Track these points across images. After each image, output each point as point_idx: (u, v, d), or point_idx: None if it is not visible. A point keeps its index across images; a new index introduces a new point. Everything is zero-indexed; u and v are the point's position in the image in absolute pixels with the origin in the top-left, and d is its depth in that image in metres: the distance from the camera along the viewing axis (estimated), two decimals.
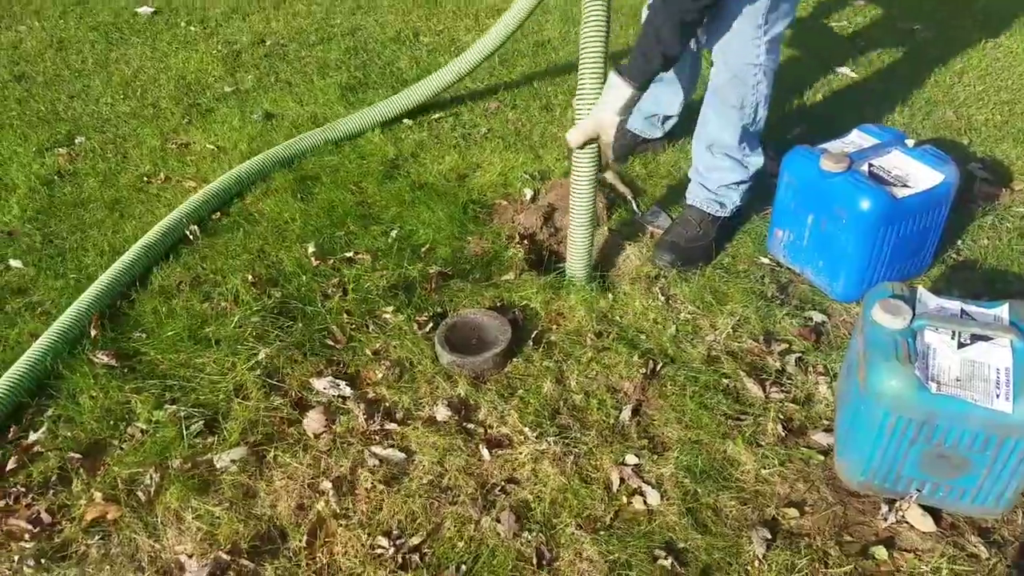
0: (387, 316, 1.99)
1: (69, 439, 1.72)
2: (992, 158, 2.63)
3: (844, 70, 3.20)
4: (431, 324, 1.97)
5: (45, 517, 1.57)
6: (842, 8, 3.75)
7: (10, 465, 1.66)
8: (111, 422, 1.75)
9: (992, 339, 1.48)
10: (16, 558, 1.48)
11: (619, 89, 1.79)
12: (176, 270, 2.18)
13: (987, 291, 2.07)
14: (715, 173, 2.19)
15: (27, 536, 1.53)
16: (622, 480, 1.60)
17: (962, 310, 1.58)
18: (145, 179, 2.63)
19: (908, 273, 2.11)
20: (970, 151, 2.66)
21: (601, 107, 1.80)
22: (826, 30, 3.54)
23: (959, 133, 2.77)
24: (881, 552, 1.47)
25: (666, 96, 2.46)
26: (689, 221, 2.23)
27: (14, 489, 1.62)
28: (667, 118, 2.57)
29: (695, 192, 2.26)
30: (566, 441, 1.68)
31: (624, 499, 1.57)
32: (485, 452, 1.67)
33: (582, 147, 1.86)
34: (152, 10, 3.95)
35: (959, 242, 2.25)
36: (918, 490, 1.52)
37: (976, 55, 3.29)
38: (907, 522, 1.53)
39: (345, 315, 2.00)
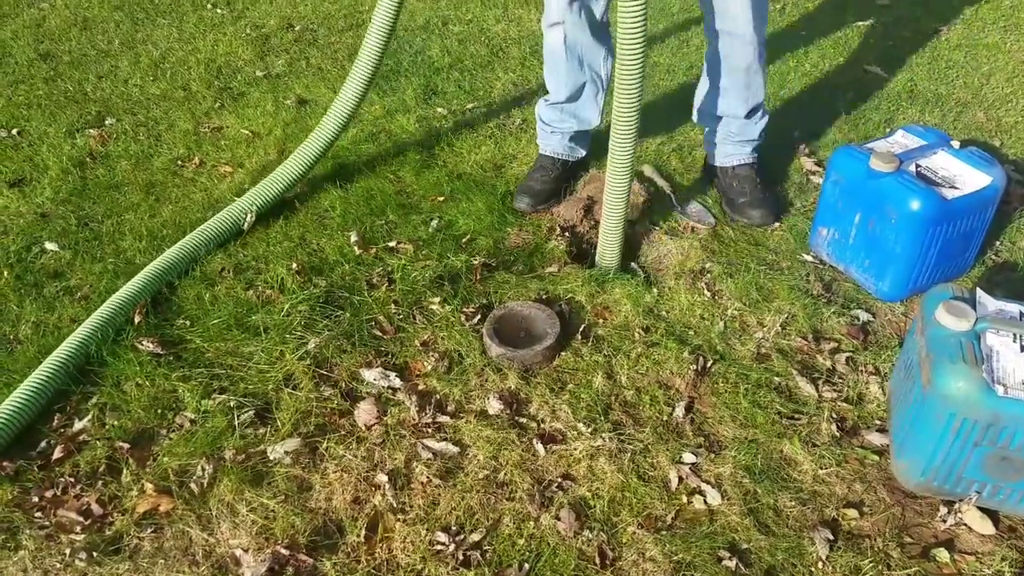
0: (434, 307, 1.98)
1: (116, 428, 1.70)
2: None
3: (875, 69, 3.18)
4: (478, 316, 1.96)
5: (96, 508, 1.55)
6: (868, 6, 3.73)
7: (56, 454, 1.65)
8: (158, 411, 1.74)
9: None
10: (67, 551, 1.46)
11: None
12: (217, 256, 2.15)
13: None
14: (749, 127, 2.31)
15: (78, 528, 1.51)
16: (680, 479, 1.59)
17: (1021, 313, 1.58)
18: (179, 163, 2.61)
19: (951, 274, 2.10)
20: (1002, 153, 2.65)
21: None
22: (854, 28, 3.52)
23: (990, 135, 2.76)
24: (943, 554, 1.47)
25: (588, 110, 2.34)
26: (753, 179, 2.32)
27: (62, 479, 1.60)
28: (583, 134, 2.45)
29: (739, 152, 2.35)
30: (621, 438, 1.67)
31: (684, 498, 1.56)
32: (540, 447, 1.66)
33: None
34: None
35: (997, 243, 2.25)
36: (978, 492, 1.52)
37: (1003, 57, 3.27)
38: (966, 524, 1.53)
39: (393, 305, 1.98)
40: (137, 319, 1.92)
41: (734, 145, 2.35)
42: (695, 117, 2.41)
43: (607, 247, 2.08)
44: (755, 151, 2.38)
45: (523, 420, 1.72)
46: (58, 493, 1.58)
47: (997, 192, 1.99)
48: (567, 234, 2.27)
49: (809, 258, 2.21)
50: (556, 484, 1.59)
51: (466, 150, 2.64)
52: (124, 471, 1.61)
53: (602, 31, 2.20)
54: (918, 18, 3.59)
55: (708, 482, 1.59)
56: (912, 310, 2.03)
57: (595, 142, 2.50)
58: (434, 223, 2.29)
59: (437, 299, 2.00)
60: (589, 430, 1.69)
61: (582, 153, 2.46)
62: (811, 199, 2.39)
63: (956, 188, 1.95)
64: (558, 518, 1.52)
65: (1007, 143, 2.71)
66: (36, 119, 2.83)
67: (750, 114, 2.28)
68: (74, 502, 1.57)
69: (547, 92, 2.35)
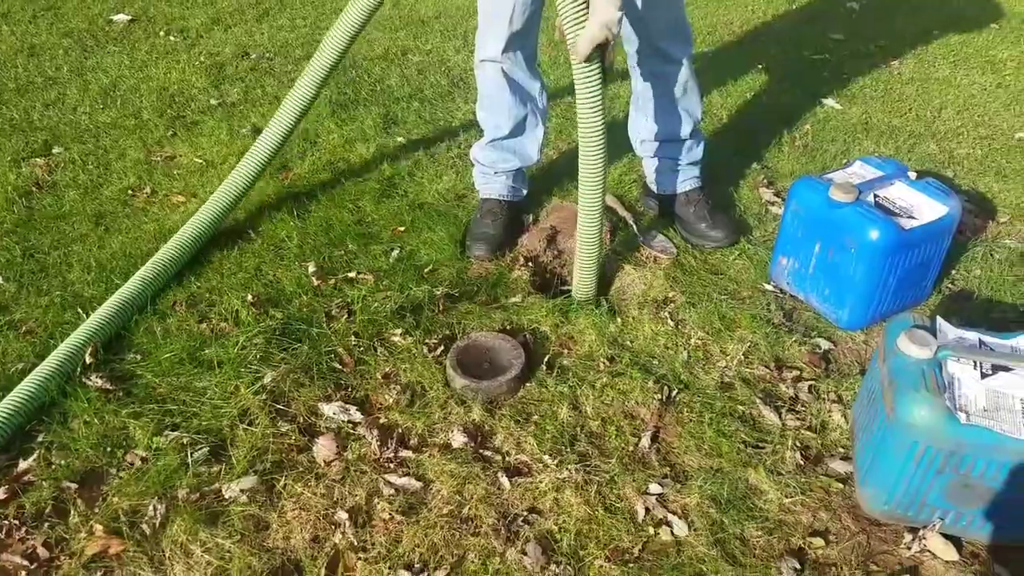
0: (396, 339, 1.94)
1: (63, 467, 1.63)
2: (976, 191, 2.69)
3: (830, 102, 3.26)
4: (441, 347, 1.93)
5: (42, 552, 1.47)
6: (822, 40, 3.83)
7: (0, 495, 1.56)
8: (108, 449, 1.67)
9: (1013, 369, 1.50)
10: None
11: None
12: (170, 288, 2.09)
13: (983, 320, 2.10)
14: (694, 148, 2.36)
15: (23, 573, 1.44)
16: (647, 510, 1.57)
17: (980, 340, 1.61)
18: (130, 192, 2.54)
19: (910, 302, 2.14)
20: (955, 184, 2.73)
21: (603, 3, 1.64)
22: (808, 62, 3.61)
23: (943, 166, 2.84)
24: None
25: (529, 145, 2.33)
26: (706, 202, 2.38)
27: (6, 522, 1.52)
28: (522, 174, 2.44)
29: (688, 175, 2.39)
30: (587, 469, 1.65)
31: (651, 530, 1.54)
32: (505, 480, 1.62)
33: (590, 58, 1.69)
34: (129, 18, 3.83)
35: (953, 272, 2.29)
36: (941, 519, 1.53)
37: (953, 91, 3.38)
38: (930, 551, 1.53)
39: (353, 337, 1.94)
40: (88, 359, 1.84)
41: (683, 170, 2.38)
42: (640, 150, 2.41)
43: (584, 279, 2.07)
44: (701, 173, 2.41)
45: (488, 453, 1.69)
46: (2, 536, 1.50)
47: (953, 221, 2.03)
48: (530, 264, 2.26)
49: (770, 287, 2.22)
50: (522, 518, 1.56)
51: (427, 180, 2.62)
52: (72, 512, 1.54)
53: (535, 67, 2.23)
54: (871, 53, 3.71)
55: (675, 513, 1.57)
56: (872, 338, 2.06)
57: (534, 181, 2.54)
58: (395, 253, 2.26)
59: (399, 330, 1.96)
60: (555, 462, 1.66)
61: (524, 192, 2.44)
62: (771, 229, 2.42)
63: (914, 218, 1.98)
64: (524, 552, 1.48)
65: (959, 174, 2.78)
66: None
67: (693, 133, 2.31)
68: (19, 545, 1.49)
69: (481, 134, 2.32)
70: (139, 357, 1.89)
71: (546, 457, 1.67)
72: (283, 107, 2.18)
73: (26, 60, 3.42)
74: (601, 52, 1.69)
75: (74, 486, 1.59)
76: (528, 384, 1.85)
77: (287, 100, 2.17)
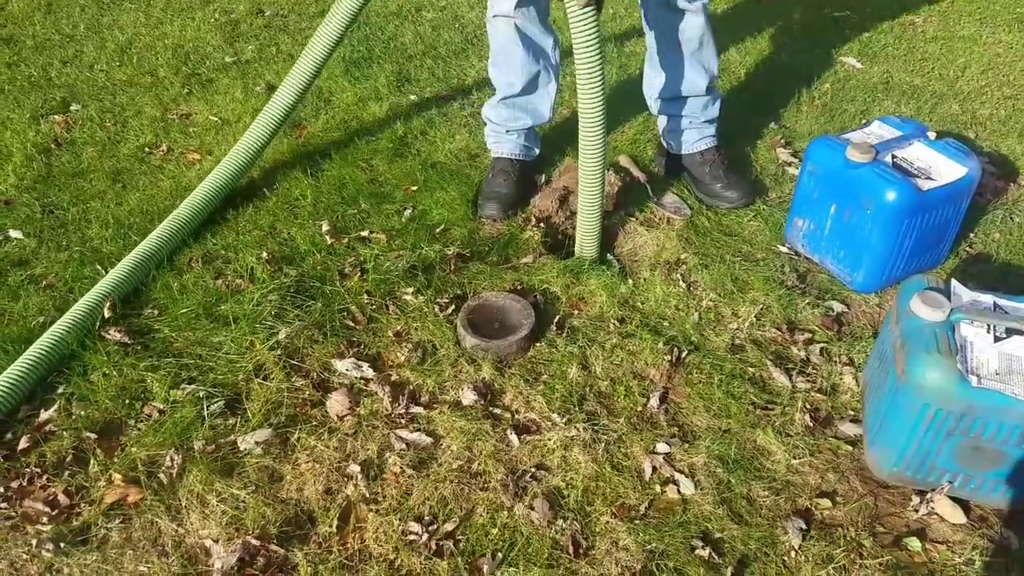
0: (407, 297, 1.96)
1: (83, 418, 1.66)
2: (998, 152, 2.64)
3: (850, 60, 3.20)
4: (452, 306, 1.94)
5: (63, 499, 1.51)
6: None
7: (22, 444, 1.61)
8: (126, 401, 1.70)
9: None
10: (34, 541, 1.43)
11: None
12: (186, 245, 2.11)
13: (1002, 284, 2.08)
14: (710, 106, 2.33)
15: (44, 519, 1.48)
16: (654, 469, 1.59)
17: (995, 303, 1.59)
18: (147, 150, 2.56)
19: (926, 265, 2.12)
20: (976, 145, 2.68)
21: None
22: (830, 20, 3.54)
23: (965, 127, 2.78)
24: (914, 543, 1.48)
25: (541, 102, 2.31)
26: (721, 162, 2.35)
27: (28, 470, 1.56)
28: (535, 133, 2.43)
29: (704, 134, 2.37)
30: (595, 428, 1.66)
31: (658, 488, 1.55)
32: (513, 438, 1.64)
33: (588, 2, 1.70)
34: None
35: (972, 235, 2.26)
36: (949, 482, 1.53)
37: (978, 50, 3.30)
38: (937, 514, 1.54)
39: (365, 295, 1.95)
40: (107, 313, 1.87)
41: (698, 129, 2.35)
42: (654, 108, 2.38)
43: (586, 238, 2.07)
44: (717, 132, 2.39)
45: (497, 411, 1.71)
46: (24, 483, 1.54)
47: (972, 183, 2.00)
48: (542, 224, 2.25)
49: (784, 249, 2.21)
50: (530, 474, 1.58)
51: (440, 139, 2.61)
52: (91, 461, 1.58)
53: (548, 22, 2.19)
54: (894, 11, 3.62)
55: (682, 472, 1.58)
56: (886, 301, 2.04)
57: (547, 142, 2.51)
58: (407, 212, 2.26)
59: (410, 289, 1.97)
60: (563, 420, 1.67)
61: (536, 152, 2.43)
62: (787, 190, 2.40)
63: (932, 179, 1.96)
64: (532, 508, 1.50)
65: (981, 135, 2.73)
66: None
67: (709, 89, 2.28)
68: (40, 492, 1.53)
69: (493, 92, 2.31)
70: (156, 312, 1.91)
71: (555, 416, 1.69)
72: (298, 64, 2.17)
73: (43, 17, 3.42)
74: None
75: (94, 436, 1.62)
76: (538, 344, 1.86)
77: (302, 57, 2.16)
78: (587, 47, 1.73)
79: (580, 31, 1.72)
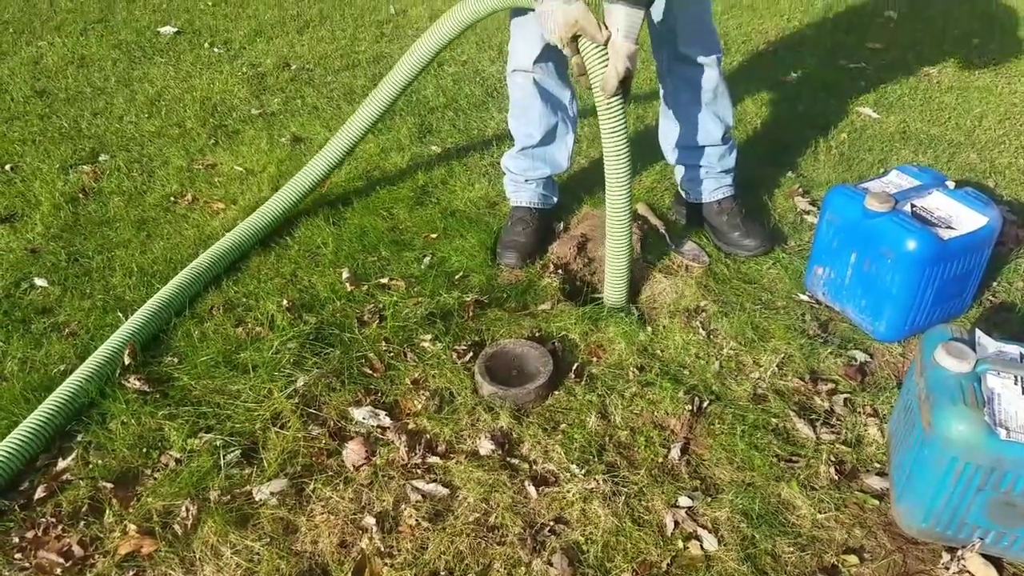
0: (425, 345, 1.95)
1: (100, 467, 1.66)
2: (1018, 201, 2.62)
3: (867, 110, 3.21)
4: (470, 353, 1.93)
5: (77, 550, 1.50)
6: (859, 50, 3.77)
7: (39, 493, 1.61)
8: (143, 450, 1.70)
9: None
10: None
11: (631, 16, 1.71)
12: (208, 293, 2.13)
13: None
14: (726, 155, 2.35)
15: (58, 570, 1.47)
16: (676, 523, 1.55)
17: (1021, 354, 1.56)
18: (172, 199, 2.60)
19: (949, 315, 2.09)
20: (996, 194, 2.66)
21: (622, 41, 1.72)
22: (844, 71, 3.56)
23: (984, 176, 2.77)
24: None
25: (559, 153, 2.34)
26: (739, 211, 2.36)
27: (43, 519, 1.55)
28: (552, 182, 2.45)
29: (721, 184, 2.38)
30: (615, 480, 1.64)
31: (680, 543, 1.52)
32: (532, 489, 1.62)
33: (616, 92, 1.77)
34: (175, 30, 3.94)
35: (994, 284, 2.24)
36: (980, 539, 1.48)
37: (994, 100, 3.30)
38: (969, 572, 1.49)
39: (383, 343, 1.95)
40: (127, 360, 1.89)
41: (715, 178, 2.36)
42: (671, 158, 2.40)
43: (614, 287, 2.07)
44: (734, 181, 2.40)
45: (515, 461, 1.69)
46: (39, 533, 1.53)
47: (993, 232, 1.98)
48: (560, 271, 2.25)
49: (805, 298, 2.19)
50: (548, 528, 1.55)
51: (460, 188, 2.64)
52: (107, 511, 1.57)
53: (566, 75, 2.24)
54: (908, 62, 3.64)
55: (704, 527, 1.55)
56: (910, 351, 2.01)
57: (565, 189, 2.54)
58: (427, 260, 2.27)
59: (428, 336, 1.97)
60: (582, 472, 1.65)
61: (555, 200, 2.45)
62: (806, 238, 2.39)
63: (952, 228, 1.94)
64: (550, 563, 1.47)
65: (1001, 184, 2.72)
66: (30, 155, 2.83)
67: (725, 139, 2.30)
68: (55, 543, 1.52)
69: (512, 143, 2.34)
70: (176, 360, 1.92)
71: (573, 467, 1.66)
72: (347, 125, 2.30)
73: (76, 71, 3.52)
74: (624, 86, 1.78)
75: (110, 486, 1.62)
76: (556, 392, 1.85)
77: (353, 118, 2.32)
78: (614, 134, 1.82)
79: (607, 119, 1.81)
